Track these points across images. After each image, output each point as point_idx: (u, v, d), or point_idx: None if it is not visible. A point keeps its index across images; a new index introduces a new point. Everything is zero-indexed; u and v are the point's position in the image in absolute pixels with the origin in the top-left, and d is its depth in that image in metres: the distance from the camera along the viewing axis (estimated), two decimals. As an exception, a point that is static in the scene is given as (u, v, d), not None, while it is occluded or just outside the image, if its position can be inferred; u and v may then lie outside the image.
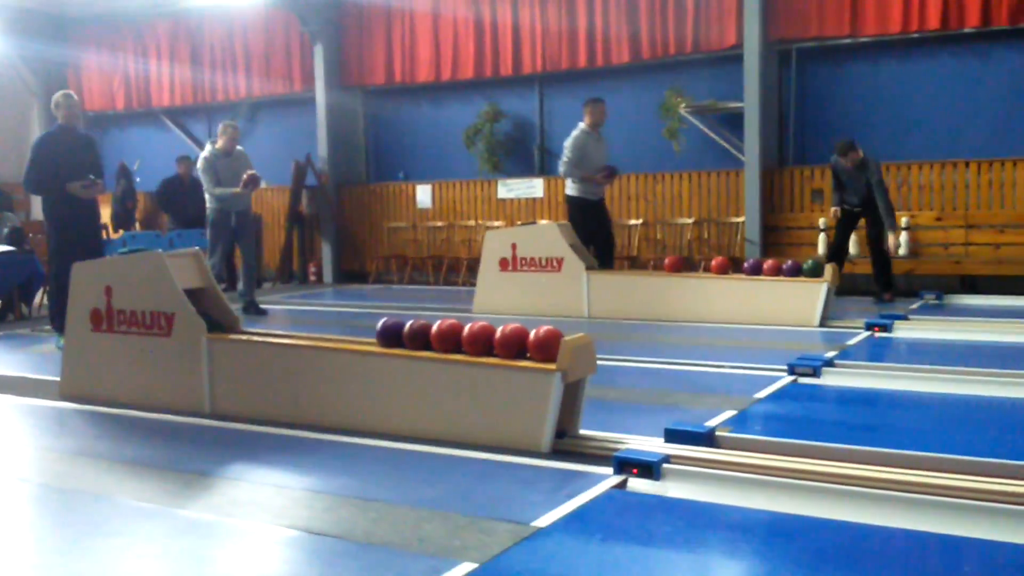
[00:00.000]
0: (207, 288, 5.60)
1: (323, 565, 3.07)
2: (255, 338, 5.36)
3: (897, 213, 10.68)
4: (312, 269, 14.66)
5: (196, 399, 5.27)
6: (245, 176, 9.72)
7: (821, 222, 11.13)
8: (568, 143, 9.67)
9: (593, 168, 9.60)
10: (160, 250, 5.75)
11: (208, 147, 9.94)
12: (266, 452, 4.48)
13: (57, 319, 7.82)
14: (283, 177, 14.58)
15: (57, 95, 8.19)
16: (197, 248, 5.92)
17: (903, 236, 10.62)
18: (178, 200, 13.24)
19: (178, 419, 5.15)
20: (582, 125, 9.70)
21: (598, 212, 9.83)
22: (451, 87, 13.99)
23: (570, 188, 9.77)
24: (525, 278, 9.52)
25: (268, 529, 3.39)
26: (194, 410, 5.25)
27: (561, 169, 9.76)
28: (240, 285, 10.11)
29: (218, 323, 5.46)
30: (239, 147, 10.05)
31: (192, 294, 5.45)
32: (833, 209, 9.85)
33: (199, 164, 9.85)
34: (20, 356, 7.90)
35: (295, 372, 5.04)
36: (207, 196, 9.85)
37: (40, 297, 11.11)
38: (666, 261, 9.15)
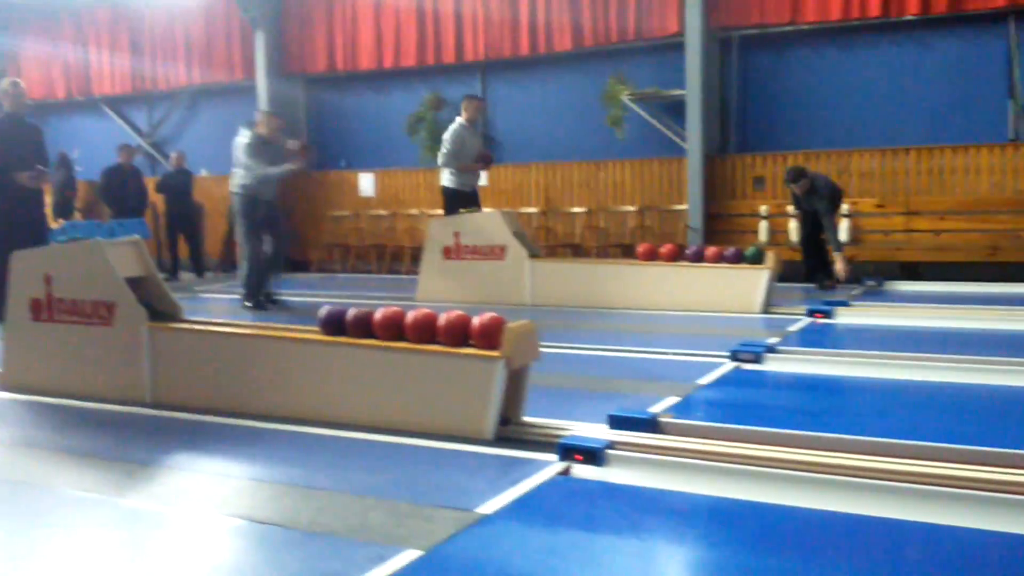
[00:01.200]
0: (148, 277, 5.52)
1: (268, 553, 3.05)
2: (197, 327, 5.29)
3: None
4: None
5: (137, 388, 5.19)
6: (298, 144, 9.54)
7: (763, 209, 11.27)
8: (446, 136, 10.06)
9: (469, 159, 10.06)
10: (100, 238, 5.65)
11: (248, 132, 9.40)
12: (209, 441, 4.43)
13: (-1, 309, 7.66)
14: (224, 166, 14.36)
15: (4, 83, 8.03)
16: (138, 236, 5.82)
17: (844, 223, 10.81)
18: (120, 189, 13.03)
19: (120, 409, 5.07)
20: (460, 119, 10.12)
21: (471, 203, 10.25)
22: (393, 75, 13.92)
23: (446, 180, 10.14)
24: (468, 266, 9.51)
25: (211, 518, 3.36)
26: (135, 400, 5.17)
27: (440, 160, 10.11)
28: (250, 276, 9.44)
29: (160, 312, 5.38)
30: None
31: (133, 283, 5.37)
32: (796, 214, 10.23)
33: (244, 149, 9.28)
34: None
35: (237, 361, 4.99)
36: (240, 182, 9.36)
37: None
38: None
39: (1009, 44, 10.58)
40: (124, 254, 5.46)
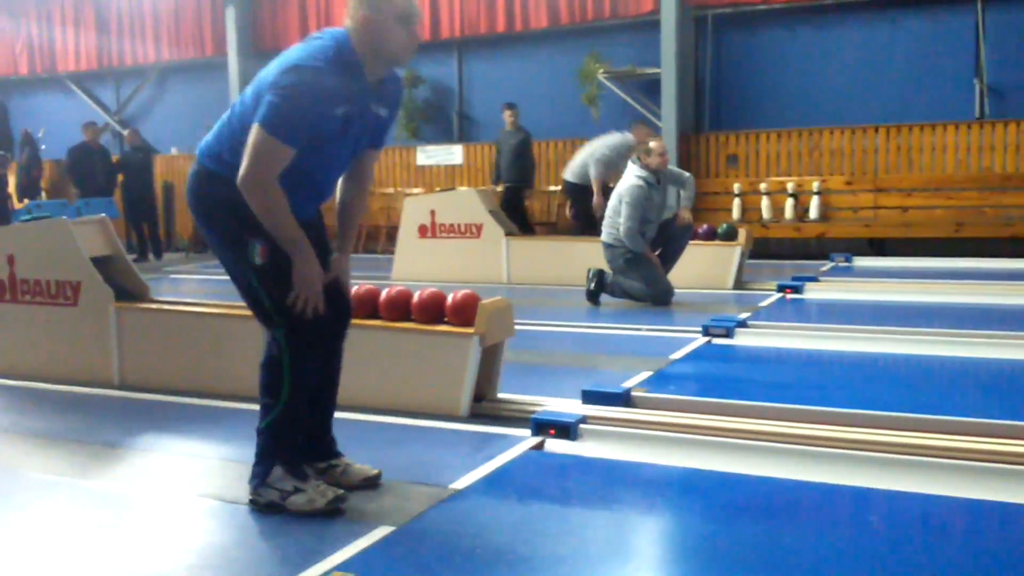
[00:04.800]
0: (115, 256, 5.44)
1: (240, 533, 3.03)
2: (164, 307, 5.24)
3: (809, 177, 10.95)
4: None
5: (104, 370, 5.13)
6: None
7: (736, 187, 11.30)
8: None
9: None
10: (65, 218, 5.57)
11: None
12: (177, 422, 4.39)
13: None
14: (194, 145, 14.22)
15: None
16: (104, 215, 5.74)
17: (815, 200, 10.87)
18: (86, 168, 12.81)
19: (86, 390, 5.01)
20: None
21: None
22: (367, 52, 13.77)
23: None
24: (445, 244, 9.48)
25: (181, 498, 3.33)
26: (102, 381, 5.11)
27: None
28: None
29: (127, 292, 5.32)
30: None
31: (99, 263, 5.30)
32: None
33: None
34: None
35: (206, 341, 4.94)
36: None
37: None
38: None
39: (976, 23, 10.63)
40: (89, 233, 5.38)
